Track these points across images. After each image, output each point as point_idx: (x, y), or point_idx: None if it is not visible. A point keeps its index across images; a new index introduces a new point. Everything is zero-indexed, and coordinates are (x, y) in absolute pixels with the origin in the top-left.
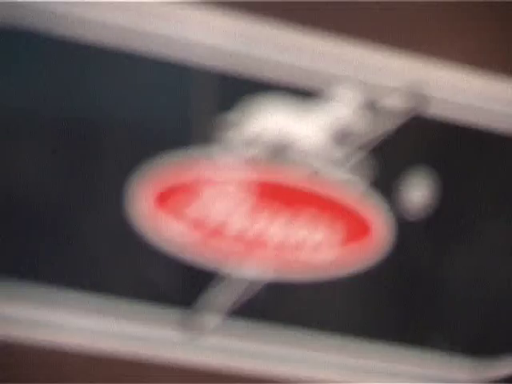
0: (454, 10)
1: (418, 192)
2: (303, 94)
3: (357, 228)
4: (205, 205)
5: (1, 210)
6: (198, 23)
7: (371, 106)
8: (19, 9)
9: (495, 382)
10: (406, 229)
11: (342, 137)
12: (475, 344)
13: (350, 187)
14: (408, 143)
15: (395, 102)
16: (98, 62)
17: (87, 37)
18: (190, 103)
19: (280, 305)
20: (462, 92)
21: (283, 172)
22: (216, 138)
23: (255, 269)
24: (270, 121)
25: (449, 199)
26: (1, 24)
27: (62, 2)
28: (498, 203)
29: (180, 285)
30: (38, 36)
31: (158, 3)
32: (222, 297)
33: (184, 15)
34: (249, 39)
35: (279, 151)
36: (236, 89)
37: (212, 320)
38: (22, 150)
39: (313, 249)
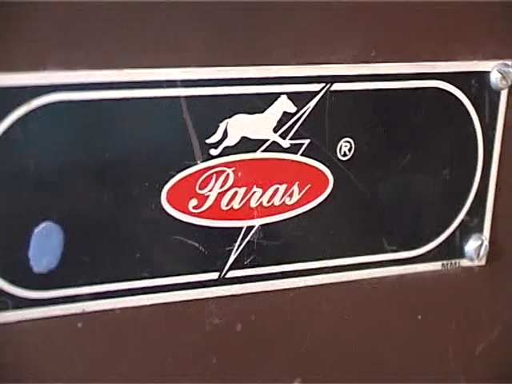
0: None
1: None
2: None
3: (308, 176)
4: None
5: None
6: None
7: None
8: None
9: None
10: (345, 170)
11: (281, 118)
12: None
13: (296, 151)
14: (330, 114)
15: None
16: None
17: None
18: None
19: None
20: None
21: (248, 150)
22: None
23: (246, 224)
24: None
25: (377, 147)
26: None
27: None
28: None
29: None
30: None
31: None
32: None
33: None
34: None
35: (242, 143)
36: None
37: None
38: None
39: (281, 198)
